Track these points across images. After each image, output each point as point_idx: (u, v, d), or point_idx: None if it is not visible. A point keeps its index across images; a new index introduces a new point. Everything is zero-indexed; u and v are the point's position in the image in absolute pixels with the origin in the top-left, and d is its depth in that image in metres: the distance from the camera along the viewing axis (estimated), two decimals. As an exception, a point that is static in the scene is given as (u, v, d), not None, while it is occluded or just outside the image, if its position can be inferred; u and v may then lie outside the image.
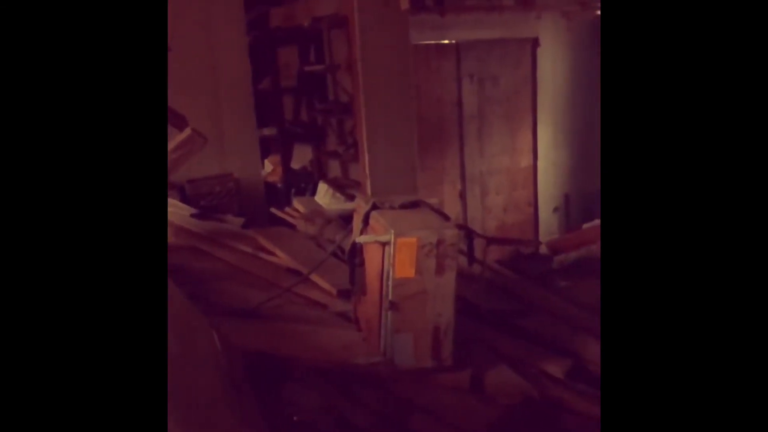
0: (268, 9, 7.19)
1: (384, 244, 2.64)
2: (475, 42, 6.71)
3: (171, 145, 3.64)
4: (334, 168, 7.27)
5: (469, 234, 3.16)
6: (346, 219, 4.10)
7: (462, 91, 6.79)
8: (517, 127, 7.23)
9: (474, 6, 6.57)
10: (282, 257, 3.96)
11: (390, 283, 2.63)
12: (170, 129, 3.62)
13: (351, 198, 5.71)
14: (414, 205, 2.97)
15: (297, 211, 5.46)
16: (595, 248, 5.19)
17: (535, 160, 7.39)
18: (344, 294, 3.31)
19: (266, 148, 7.16)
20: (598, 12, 7.22)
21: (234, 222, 4.76)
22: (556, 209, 7.65)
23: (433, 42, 6.53)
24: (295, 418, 2.38)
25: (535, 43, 7.12)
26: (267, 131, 7.16)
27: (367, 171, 5.64)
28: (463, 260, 3.00)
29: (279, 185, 7.21)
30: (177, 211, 4.63)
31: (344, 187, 6.20)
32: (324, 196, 5.93)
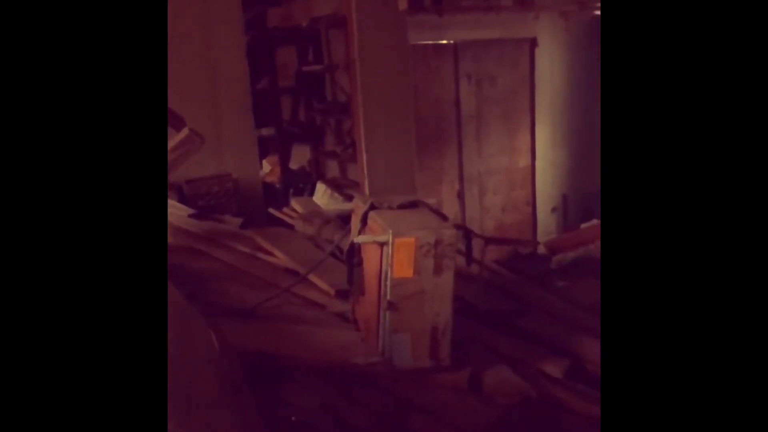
0: (266, 9, 7.19)
1: (382, 245, 2.65)
2: (473, 42, 6.72)
3: (169, 145, 3.64)
4: (333, 168, 7.27)
5: (467, 234, 3.16)
6: (345, 219, 4.10)
7: (460, 91, 6.79)
8: (515, 127, 7.24)
9: (472, 6, 6.58)
10: (280, 257, 3.96)
11: (388, 283, 2.63)
12: (168, 129, 3.62)
13: (349, 198, 5.71)
14: (412, 205, 2.97)
15: (295, 211, 5.46)
16: (593, 248, 5.20)
17: (533, 160, 7.40)
18: (342, 294, 3.31)
19: (264, 148, 7.16)
20: (596, 12, 7.23)
21: (232, 222, 4.76)
22: (554, 209, 7.65)
23: (431, 42, 6.54)
24: (293, 418, 2.38)
25: (533, 43, 7.13)
26: (265, 131, 7.15)
27: (366, 171, 5.64)
28: (461, 260, 3.00)
29: (277, 185, 7.21)
30: (175, 211, 4.62)
31: (342, 187, 6.20)
32: (322, 196, 5.93)
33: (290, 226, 5.05)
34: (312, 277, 3.52)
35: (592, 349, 3.09)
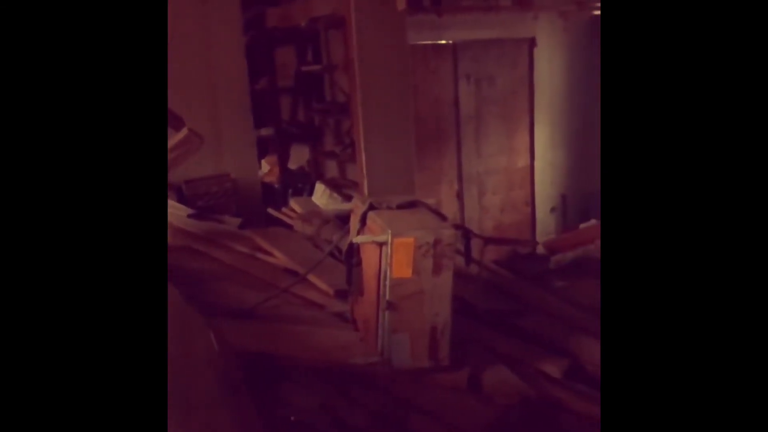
0: (265, 9, 7.18)
1: (381, 245, 2.64)
2: (472, 42, 6.72)
3: (168, 145, 3.64)
4: (332, 168, 7.26)
5: (466, 234, 3.16)
6: (344, 219, 4.11)
7: (459, 91, 6.80)
8: (514, 127, 7.24)
9: (471, 6, 6.58)
10: (279, 258, 3.96)
11: (387, 283, 2.63)
12: (167, 129, 3.62)
13: (348, 198, 5.71)
14: (411, 205, 2.97)
15: (294, 211, 5.46)
16: (592, 248, 5.20)
17: (532, 160, 7.40)
18: (341, 294, 3.31)
19: (263, 148, 7.15)
20: (595, 12, 7.23)
21: (231, 222, 4.76)
22: (553, 209, 7.66)
23: (430, 42, 6.54)
24: (292, 418, 2.38)
25: (531, 43, 7.13)
26: (264, 131, 7.14)
27: (365, 171, 5.64)
28: (460, 260, 3.00)
29: (276, 185, 7.21)
30: (174, 211, 4.62)
31: (341, 187, 6.20)
32: (321, 196, 5.93)
33: (289, 227, 5.05)
34: (311, 278, 3.52)
35: (591, 349, 3.10)
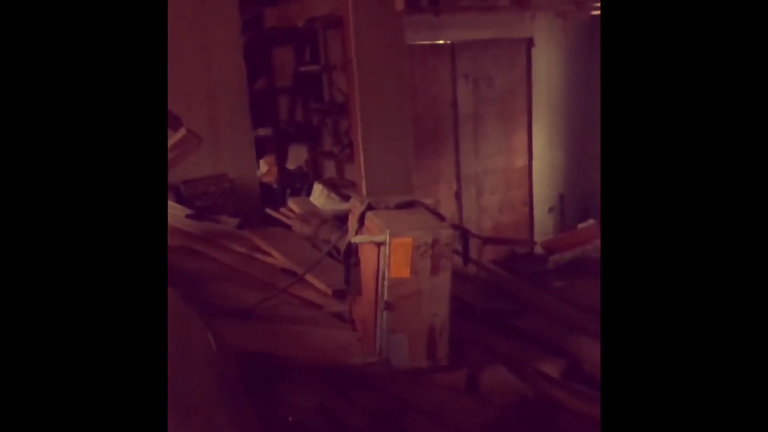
0: (263, 9, 7.19)
1: (379, 245, 2.65)
2: (470, 42, 6.72)
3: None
4: (330, 168, 7.26)
5: (464, 234, 3.16)
6: (342, 219, 4.11)
7: (457, 91, 6.80)
8: (513, 127, 7.25)
9: (469, 6, 6.58)
10: (277, 258, 3.96)
11: (385, 283, 2.63)
12: (165, 129, 3.62)
13: (346, 198, 5.71)
14: (409, 205, 2.97)
15: (292, 211, 5.46)
16: (590, 248, 5.21)
17: (530, 160, 7.41)
18: (340, 294, 3.31)
19: (261, 148, 7.15)
20: (593, 12, 7.23)
21: (229, 222, 4.76)
22: (551, 209, 7.66)
23: (428, 42, 6.54)
24: (290, 418, 2.38)
25: (529, 43, 7.13)
26: (262, 131, 7.14)
27: (363, 171, 5.64)
28: (458, 260, 3.01)
29: (274, 186, 7.20)
30: (173, 212, 4.62)
31: (339, 187, 6.20)
32: (319, 196, 5.93)
33: (287, 227, 5.05)
34: (309, 278, 3.52)
35: (589, 349, 3.10)
